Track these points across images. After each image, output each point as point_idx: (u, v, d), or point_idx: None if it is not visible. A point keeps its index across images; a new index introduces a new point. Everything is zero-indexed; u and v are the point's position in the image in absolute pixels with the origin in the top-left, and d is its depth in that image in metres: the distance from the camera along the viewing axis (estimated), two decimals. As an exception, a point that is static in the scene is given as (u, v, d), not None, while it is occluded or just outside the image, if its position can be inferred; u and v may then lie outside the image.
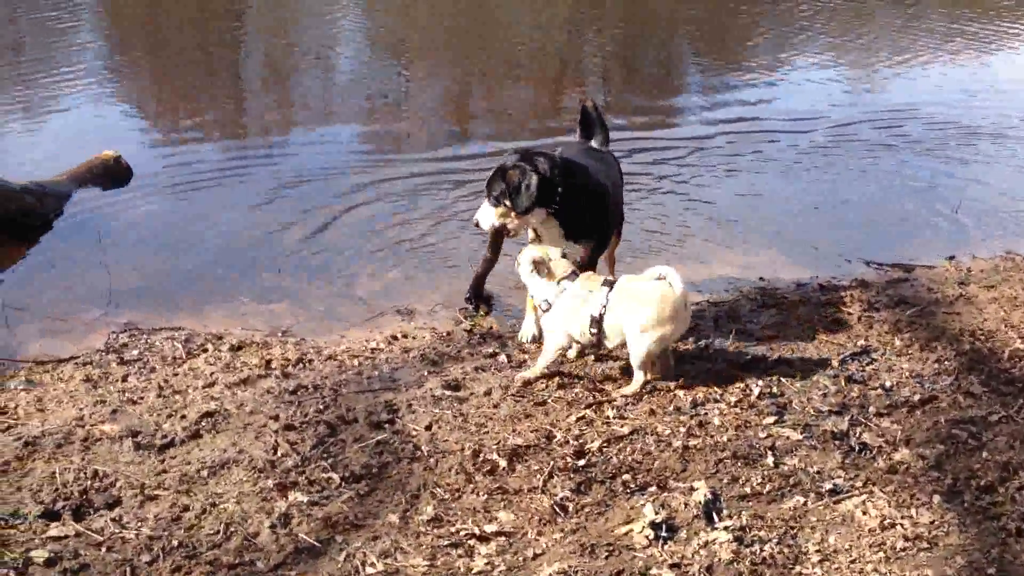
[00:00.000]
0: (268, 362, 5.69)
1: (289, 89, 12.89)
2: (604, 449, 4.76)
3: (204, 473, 4.53)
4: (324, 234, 7.81)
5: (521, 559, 3.99)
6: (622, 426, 4.98)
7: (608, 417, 5.08)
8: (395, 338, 6.14)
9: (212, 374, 5.53)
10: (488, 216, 5.83)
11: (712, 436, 4.85)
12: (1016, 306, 6.22)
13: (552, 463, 4.63)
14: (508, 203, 5.68)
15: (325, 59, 14.26)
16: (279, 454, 4.68)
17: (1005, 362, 5.46)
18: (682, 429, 4.91)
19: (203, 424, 4.94)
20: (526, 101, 12.09)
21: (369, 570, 3.89)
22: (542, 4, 17.91)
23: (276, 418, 5.00)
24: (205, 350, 5.86)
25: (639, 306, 5.18)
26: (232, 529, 4.14)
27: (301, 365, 5.69)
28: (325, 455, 4.70)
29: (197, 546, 4.03)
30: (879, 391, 5.21)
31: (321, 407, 5.15)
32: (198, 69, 13.57)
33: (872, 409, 5.02)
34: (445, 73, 13.59)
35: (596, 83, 13.50)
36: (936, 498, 4.24)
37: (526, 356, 5.77)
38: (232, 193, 8.64)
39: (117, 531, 4.10)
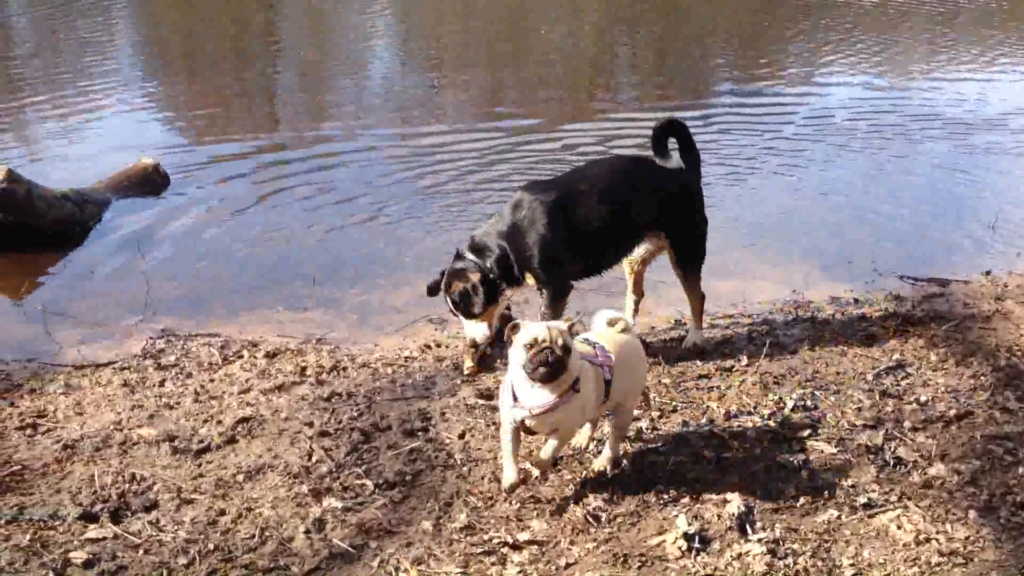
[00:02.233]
0: (303, 369, 5.74)
1: (325, 97, 12.99)
2: (637, 460, 4.76)
3: (240, 478, 4.58)
4: (359, 243, 7.87)
5: (553, 568, 4.00)
6: (654, 437, 4.98)
7: (641, 428, 5.08)
8: (428, 347, 6.17)
9: (248, 380, 5.58)
10: (479, 329, 5.77)
11: (745, 449, 4.84)
12: (1054, 321, 6.17)
13: (585, 472, 4.64)
14: (473, 311, 5.67)
15: (361, 67, 14.39)
16: (314, 460, 4.72)
17: (1042, 378, 5.41)
18: (715, 441, 4.91)
19: (239, 430, 5.00)
20: (560, 108, 12.12)
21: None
22: (573, 9, 17.95)
23: (311, 424, 5.05)
24: (241, 356, 5.91)
25: (638, 363, 4.73)
26: (267, 533, 4.18)
27: (335, 372, 5.74)
28: (359, 462, 4.73)
29: (233, 550, 4.07)
30: (914, 405, 5.18)
31: (355, 414, 5.19)
32: (235, 78, 13.74)
33: (907, 423, 4.99)
34: (479, 81, 13.67)
35: (628, 89, 13.54)
36: (972, 513, 4.21)
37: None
38: (268, 202, 8.72)
39: (154, 534, 4.15)
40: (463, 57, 15.51)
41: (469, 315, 5.70)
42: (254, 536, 4.16)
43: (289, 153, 10.17)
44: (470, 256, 5.72)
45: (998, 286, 6.97)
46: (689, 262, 6.10)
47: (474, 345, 5.78)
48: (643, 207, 5.89)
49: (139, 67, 14.15)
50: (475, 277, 5.63)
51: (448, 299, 5.73)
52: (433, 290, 5.85)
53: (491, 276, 5.66)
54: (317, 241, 7.91)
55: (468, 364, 5.79)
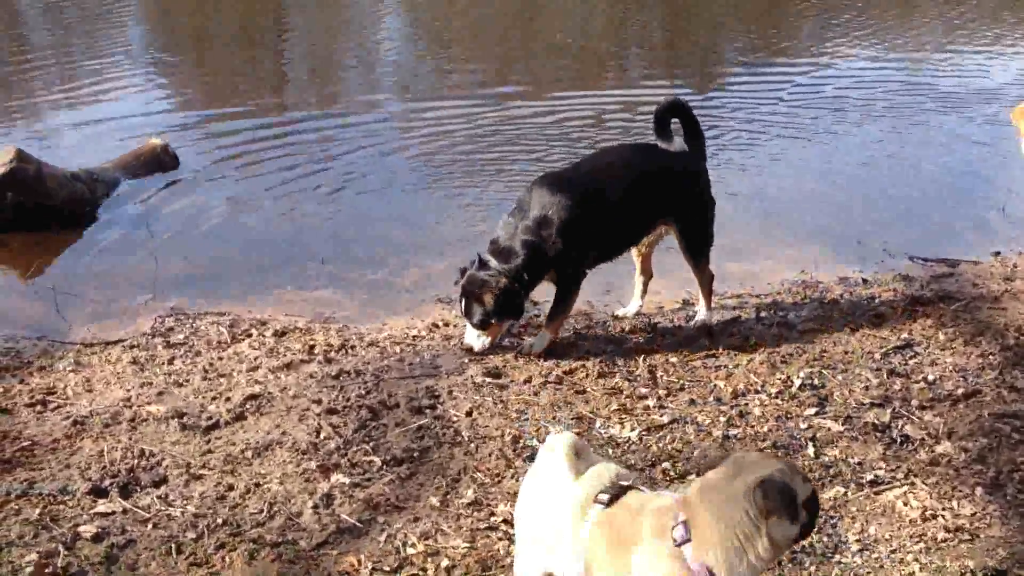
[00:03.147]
0: (311, 347, 5.76)
1: (333, 79, 13.00)
2: (644, 437, 4.78)
3: (248, 454, 4.60)
4: (368, 224, 7.89)
5: (560, 543, 4.01)
6: (662, 415, 4.99)
7: (648, 406, 5.09)
8: (436, 326, 6.19)
9: (256, 358, 5.61)
10: (481, 340, 5.70)
11: (752, 426, 4.85)
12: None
13: (592, 450, 4.64)
14: (493, 320, 5.60)
15: (370, 46, 14.37)
16: (322, 437, 4.75)
17: (1052, 357, 5.40)
18: (722, 419, 4.92)
19: (247, 406, 5.02)
20: (571, 87, 12.08)
21: (410, 550, 3.94)
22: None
23: (319, 402, 5.07)
24: (249, 335, 5.94)
25: None
26: (276, 508, 4.21)
27: (344, 351, 5.75)
28: (367, 438, 4.75)
29: (241, 524, 4.10)
30: (922, 384, 5.17)
31: (363, 392, 5.20)
32: (244, 59, 13.75)
33: (915, 402, 4.99)
34: (490, 58, 13.66)
35: (638, 67, 13.51)
36: (978, 490, 4.21)
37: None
38: (277, 182, 8.73)
39: (163, 508, 4.18)
40: (474, 35, 15.49)
41: (479, 327, 5.65)
42: (262, 511, 4.19)
43: (299, 133, 10.17)
44: (494, 263, 5.60)
45: (1008, 267, 6.94)
46: (697, 246, 6.09)
47: (469, 351, 5.71)
48: (654, 195, 5.88)
49: (149, 48, 14.15)
50: (497, 288, 5.51)
51: (461, 306, 5.67)
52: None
53: (518, 286, 5.55)
54: (326, 220, 7.93)
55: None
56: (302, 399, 5.12)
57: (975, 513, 4.07)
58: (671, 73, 13.46)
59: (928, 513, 4.08)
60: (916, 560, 3.79)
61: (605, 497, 3.09)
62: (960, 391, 5.07)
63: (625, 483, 3.15)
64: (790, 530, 2.88)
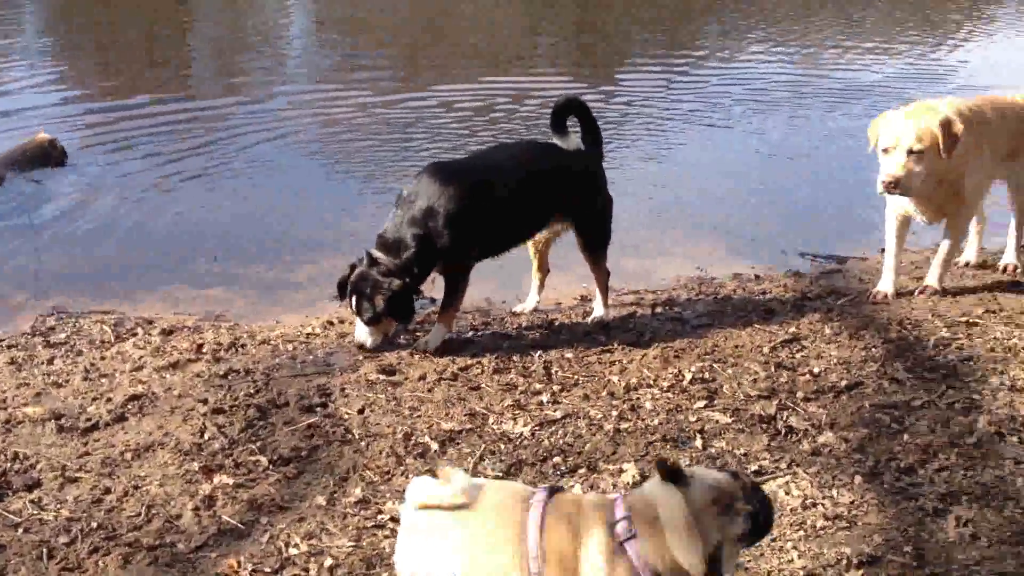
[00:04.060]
0: (199, 346, 5.63)
1: (233, 73, 12.78)
2: (536, 432, 4.77)
3: (128, 456, 4.47)
4: (263, 218, 7.77)
5: (447, 540, 3.98)
6: (555, 410, 4.99)
7: (542, 401, 5.09)
8: (331, 323, 6.11)
9: (141, 358, 5.46)
10: (372, 337, 5.65)
11: (643, 420, 4.88)
12: (943, 296, 6.33)
13: (484, 446, 4.64)
14: (384, 316, 5.54)
15: (273, 42, 14.17)
16: (206, 437, 4.63)
17: (930, 349, 5.55)
18: (614, 413, 4.94)
19: (129, 407, 4.88)
20: (475, 85, 12.09)
21: (292, 551, 3.86)
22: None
23: (205, 401, 4.95)
24: (135, 334, 5.78)
25: None
26: (154, 511, 4.09)
27: (233, 350, 5.64)
28: (254, 438, 4.66)
29: (117, 528, 3.97)
30: (807, 377, 5.27)
31: (252, 391, 5.11)
32: (139, 51, 13.42)
33: (800, 394, 5.08)
34: (395, 51, 13.59)
35: (544, 63, 13.58)
36: (857, 479, 4.30)
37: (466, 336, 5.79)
38: (169, 178, 8.55)
39: (35, 513, 4.03)
40: (380, 29, 15.39)
41: (371, 324, 5.59)
42: (140, 514, 4.07)
43: (194, 126, 9.98)
44: (382, 258, 5.53)
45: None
46: (594, 243, 6.12)
47: (362, 348, 5.66)
48: (549, 192, 5.88)
49: (42, 43, 13.73)
50: (386, 284, 5.44)
51: (351, 304, 5.58)
52: (342, 289, 5.70)
53: (408, 280, 5.50)
54: (219, 215, 7.80)
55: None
56: (187, 399, 4.99)
57: (853, 501, 4.16)
58: (576, 67, 13.59)
59: (808, 502, 4.15)
60: (795, 548, 3.85)
61: (548, 488, 3.09)
62: (843, 383, 5.18)
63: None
64: (734, 532, 2.94)
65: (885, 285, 6.39)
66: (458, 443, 4.68)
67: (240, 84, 12.03)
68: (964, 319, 5.92)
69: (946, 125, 5.78)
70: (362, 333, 5.63)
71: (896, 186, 5.87)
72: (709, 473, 3.05)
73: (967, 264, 6.95)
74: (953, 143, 5.77)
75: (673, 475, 2.94)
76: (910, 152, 5.83)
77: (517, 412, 4.97)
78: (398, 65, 13.08)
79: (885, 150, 5.91)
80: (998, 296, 6.35)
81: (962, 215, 6.27)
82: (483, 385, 5.26)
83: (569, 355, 5.63)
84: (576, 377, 5.37)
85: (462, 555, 2.99)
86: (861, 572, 3.72)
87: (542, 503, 2.97)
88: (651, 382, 5.28)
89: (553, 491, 3.05)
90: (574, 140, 6.09)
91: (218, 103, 10.91)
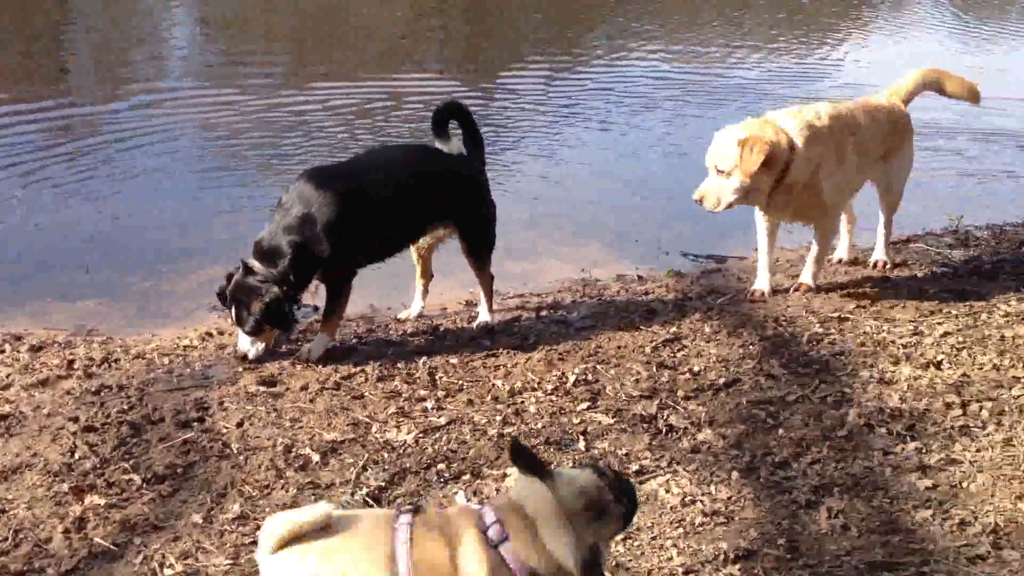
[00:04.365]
0: (71, 362, 5.45)
1: (112, 73, 12.44)
2: (420, 440, 4.75)
3: (-7, 479, 4.29)
4: (139, 226, 7.55)
5: (329, 552, 3.92)
6: (439, 416, 4.98)
7: (426, 408, 5.07)
8: (210, 335, 5.98)
9: (8, 376, 5.26)
10: (255, 347, 5.56)
11: (527, 423, 4.91)
12: (816, 293, 6.52)
13: (367, 455, 4.59)
14: (265, 326, 5.47)
15: (156, 43, 13.83)
16: (76, 456, 4.48)
17: (804, 345, 5.72)
18: (498, 418, 4.95)
19: (-6, 428, 4.69)
20: (361, 85, 12.00)
21: (168, 571, 3.76)
22: None
23: (75, 420, 4.79)
24: (2, 351, 5.57)
25: None
26: (22, 535, 3.94)
27: (106, 365, 5.47)
28: (127, 456, 4.52)
29: (-18, 555, 3.81)
30: (687, 375, 5.37)
31: (125, 407, 4.96)
32: (12, 49, 12.92)
33: (680, 392, 5.18)
34: (283, 54, 13.42)
35: (432, 67, 13.58)
36: (734, 475, 4.40)
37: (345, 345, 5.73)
38: (37, 181, 8.24)
39: None
40: (265, 29, 15.16)
41: (252, 334, 5.49)
42: (7, 539, 3.91)
43: (67, 133, 9.65)
44: (259, 267, 5.44)
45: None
46: (478, 249, 6.11)
47: (243, 359, 5.55)
48: (430, 197, 5.84)
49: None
50: (265, 293, 5.36)
51: (232, 314, 5.50)
52: (222, 299, 5.59)
53: (286, 288, 5.41)
54: (92, 226, 7.53)
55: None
56: (57, 417, 4.82)
57: (730, 497, 4.26)
58: (461, 67, 13.62)
59: (688, 499, 4.23)
60: (674, 545, 3.92)
61: (410, 508, 3.02)
62: (722, 381, 5.30)
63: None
64: (605, 527, 2.97)
65: (761, 284, 6.56)
66: (340, 453, 4.62)
67: (120, 85, 11.69)
68: (836, 315, 6.12)
69: (745, 144, 5.89)
70: (244, 343, 5.53)
71: (701, 203, 6.13)
72: (575, 475, 3.06)
73: (840, 261, 7.18)
74: (755, 162, 5.87)
75: (527, 460, 2.94)
76: (718, 171, 6.03)
77: (401, 420, 4.94)
78: (281, 66, 12.93)
79: (707, 167, 6.11)
80: (868, 292, 6.57)
81: (825, 219, 6.46)
82: (366, 393, 5.22)
83: (454, 360, 5.63)
84: (461, 382, 5.37)
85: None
86: (738, 566, 3.81)
87: (408, 524, 2.92)
88: (535, 385, 5.31)
89: (416, 510, 3.01)
90: (456, 144, 6.08)
91: (96, 106, 10.60)
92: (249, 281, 5.40)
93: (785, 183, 6.07)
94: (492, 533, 2.91)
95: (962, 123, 10.73)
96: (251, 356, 5.53)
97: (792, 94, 11.44)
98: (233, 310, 5.45)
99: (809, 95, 11.21)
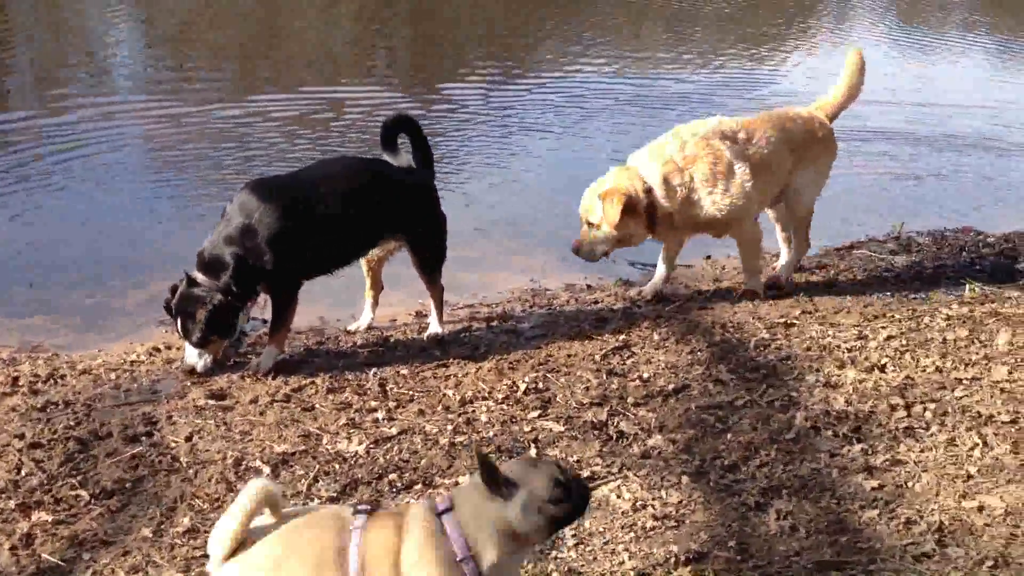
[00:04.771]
0: (15, 379, 5.37)
1: (51, 82, 12.27)
2: (371, 450, 4.74)
3: (-63, 497, 4.22)
4: (85, 241, 7.46)
5: (281, 564, 3.90)
6: (390, 427, 4.98)
7: (377, 419, 5.06)
8: (157, 350, 5.92)
9: (-49, 394, 5.16)
10: (201, 359, 5.54)
11: (479, 432, 4.92)
12: (763, 299, 6.62)
13: (318, 467, 4.58)
14: (211, 337, 5.47)
15: (100, 50, 13.69)
16: (23, 473, 4.42)
17: (752, 351, 5.80)
18: (450, 427, 4.96)
19: (-62, 446, 4.60)
20: (305, 95, 11.97)
21: (117, 586, 3.72)
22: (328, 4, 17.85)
23: (21, 436, 4.72)
24: (-57, 369, 5.46)
25: None
26: (-33, 555, 3.87)
27: (52, 381, 5.40)
28: (74, 472, 4.47)
29: (-75, 575, 3.75)
30: (637, 382, 5.42)
31: (72, 423, 4.90)
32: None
33: (630, 399, 5.22)
34: (228, 64, 13.35)
35: (378, 77, 13.59)
36: (684, 479, 4.45)
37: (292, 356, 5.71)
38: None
39: None
40: (209, 39, 15.06)
41: (199, 345, 5.46)
42: (-49, 558, 3.85)
43: (6, 146, 9.49)
44: (202, 278, 5.42)
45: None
46: (429, 262, 6.11)
47: (191, 371, 5.52)
48: (378, 210, 5.82)
49: None
50: (210, 304, 5.34)
51: (178, 327, 5.47)
52: (169, 312, 5.56)
53: (231, 298, 5.39)
54: (35, 237, 7.42)
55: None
56: (2, 435, 4.76)
57: (681, 500, 4.30)
58: (407, 78, 13.66)
59: (639, 504, 4.26)
60: (626, 550, 3.95)
61: (365, 507, 3.05)
62: (671, 386, 5.35)
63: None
64: (537, 519, 3.00)
65: (651, 285, 6.85)
66: (291, 465, 4.60)
67: (59, 95, 11.53)
68: (783, 320, 6.22)
69: (605, 199, 6.17)
70: (191, 356, 5.49)
71: (577, 253, 6.43)
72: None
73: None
74: (616, 212, 6.13)
75: (491, 475, 3.00)
76: (589, 224, 6.33)
77: (352, 431, 4.94)
78: (225, 79, 12.85)
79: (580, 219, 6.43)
80: (814, 298, 6.69)
81: (731, 230, 6.60)
82: (317, 405, 5.20)
83: (404, 371, 5.63)
84: (411, 393, 5.37)
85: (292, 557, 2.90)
86: (689, 568, 3.84)
87: (361, 528, 2.94)
88: (486, 394, 5.32)
89: (372, 510, 3.03)
90: (404, 157, 6.08)
91: (34, 115, 10.45)
92: (193, 292, 5.37)
93: (660, 216, 6.30)
94: (439, 502, 3.01)
95: (905, 128, 11.02)
96: (199, 368, 5.49)
97: (736, 103, 11.61)
98: (179, 322, 5.41)
99: (751, 102, 11.42)
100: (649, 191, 6.24)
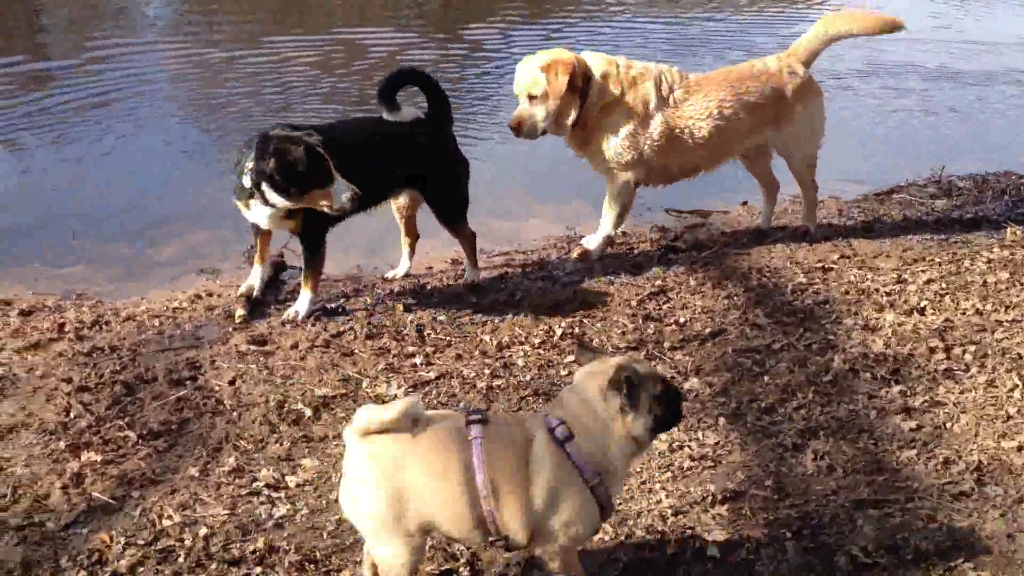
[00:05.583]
0: (61, 326, 5.46)
1: (83, 28, 12.32)
2: (410, 394, 4.80)
3: (-10, 439, 4.33)
4: (122, 193, 7.53)
5: (324, 502, 3.99)
6: (428, 371, 5.03)
7: (415, 364, 5.12)
8: (199, 297, 6.00)
9: (-1, 340, 5.28)
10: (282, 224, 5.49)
11: (516, 376, 4.97)
12: (800, 244, 6.58)
13: (358, 410, 4.63)
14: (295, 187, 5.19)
15: (131, 3, 13.73)
16: (72, 416, 4.52)
17: (789, 295, 5.78)
18: (487, 371, 5.01)
19: (-11, 390, 4.72)
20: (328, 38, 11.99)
21: (166, 522, 3.81)
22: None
23: (69, 380, 4.82)
24: (-9, 316, 5.57)
25: None
26: (20, 492, 3.99)
27: (97, 327, 5.49)
28: (121, 414, 4.56)
29: (-19, 510, 3.86)
30: (673, 326, 5.44)
31: (118, 367, 4.99)
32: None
33: (667, 343, 5.24)
34: (258, 15, 13.35)
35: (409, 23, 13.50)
36: (721, 420, 4.48)
37: (335, 305, 5.76)
38: (16, 147, 8.19)
39: None
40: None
41: (285, 194, 5.16)
42: (5, 495, 3.96)
43: (42, 91, 9.57)
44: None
45: (753, 214, 7.39)
46: (448, 211, 6.05)
47: (249, 295, 5.58)
48: (392, 166, 5.75)
49: None
50: (306, 144, 5.05)
51: (264, 171, 5.10)
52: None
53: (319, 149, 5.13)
54: (75, 189, 7.52)
55: (239, 313, 5.64)
56: (51, 379, 4.85)
57: (718, 442, 4.33)
58: (434, 24, 13.57)
59: (676, 445, 4.30)
60: (663, 488, 3.99)
61: (478, 415, 3.20)
62: (708, 331, 5.36)
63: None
64: (643, 424, 3.16)
65: (589, 243, 6.68)
66: (332, 408, 4.68)
67: (92, 42, 11.59)
68: (820, 265, 6.19)
69: (549, 69, 6.05)
70: (259, 215, 5.39)
71: (518, 130, 6.25)
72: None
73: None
74: (562, 84, 6.02)
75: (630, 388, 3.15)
76: (531, 98, 6.16)
77: (391, 375, 5.00)
78: (260, 25, 12.85)
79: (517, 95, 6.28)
80: (852, 242, 6.64)
81: (610, 177, 6.50)
82: (356, 351, 5.26)
83: (441, 317, 5.67)
84: (449, 338, 5.41)
85: (410, 483, 3.09)
86: (726, 507, 3.88)
87: (479, 438, 3.11)
88: (523, 339, 5.36)
89: (484, 420, 3.19)
90: (408, 111, 5.88)
91: (67, 63, 10.50)
92: (277, 132, 5.19)
93: (583, 116, 6.20)
94: (559, 433, 3.14)
95: (946, 65, 10.87)
96: (271, 230, 5.54)
97: (768, 43, 11.46)
98: (263, 169, 5.13)
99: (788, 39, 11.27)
100: (587, 76, 6.15)
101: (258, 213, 5.42)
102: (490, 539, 3.15)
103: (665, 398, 3.20)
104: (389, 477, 3.09)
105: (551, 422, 3.17)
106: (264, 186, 5.19)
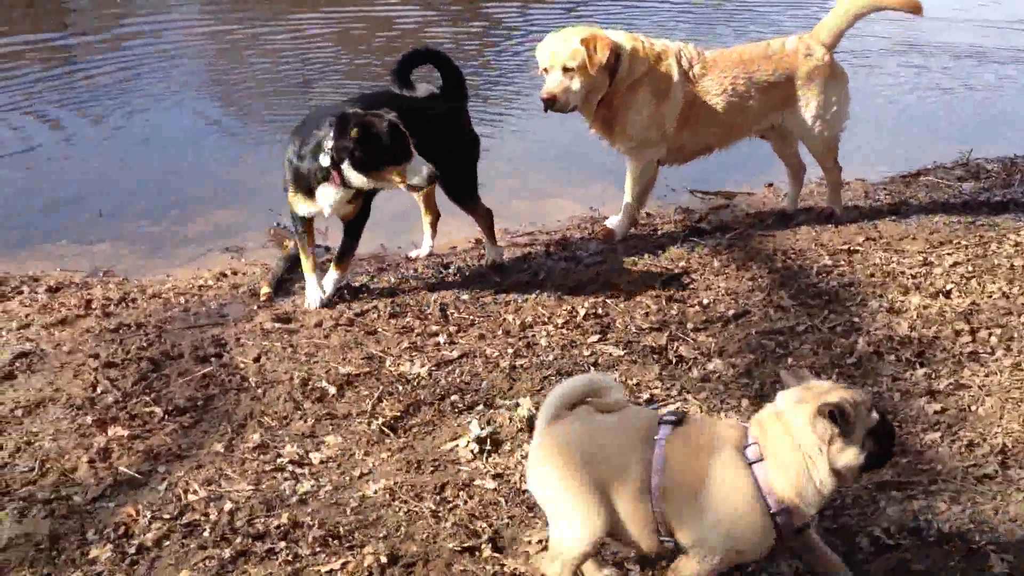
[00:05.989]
0: (88, 302, 5.51)
1: (115, 11, 12.36)
2: (433, 372, 4.82)
3: (18, 413, 4.39)
4: (148, 172, 7.59)
5: (348, 479, 4.02)
6: (452, 350, 5.05)
7: (439, 342, 5.13)
8: (224, 275, 6.04)
9: (27, 316, 5.33)
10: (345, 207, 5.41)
11: (538, 356, 4.97)
12: (825, 226, 6.54)
13: (382, 388, 4.67)
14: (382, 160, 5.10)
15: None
16: (99, 391, 4.57)
17: (814, 277, 5.75)
18: (510, 351, 5.01)
19: (17, 365, 4.78)
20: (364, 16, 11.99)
21: (191, 497, 3.86)
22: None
23: (96, 356, 4.87)
24: (20, 292, 5.63)
25: None
26: (48, 466, 4.04)
27: (124, 304, 5.54)
28: (148, 390, 4.61)
29: (11, 483, 3.92)
30: (697, 308, 5.42)
31: (144, 344, 5.04)
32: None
33: (690, 325, 5.23)
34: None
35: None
36: (744, 402, 4.47)
37: (356, 283, 5.78)
38: (45, 127, 8.27)
39: (-78, 474, 3.94)
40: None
41: (366, 171, 5.11)
42: (33, 469, 4.01)
43: (68, 68, 9.63)
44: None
45: (779, 196, 7.35)
46: (458, 190, 5.99)
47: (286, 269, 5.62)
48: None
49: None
50: (388, 120, 5.01)
51: (347, 147, 5.02)
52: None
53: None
54: (101, 168, 7.57)
55: (264, 290, 5.68)
56: (78, 355, 4.90)
57: (741, 422, 4.32)
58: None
59: (698, 426, 4.29)
60: (686, 468, 3.99)
61: (673, 417, 3.18)
62: (731, 312, 5.35)
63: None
64: (853, 458, 3.01)
65: (613, 223, 6.66)
66: (356, 386, 4.70)
67: (118, 18, 11.65)
68: (846, 247, 6.15)
69: (589, 43, 5.97)
70: (326, 199, 5.30)
71: (552, 103, 6.11)
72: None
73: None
74: (603, 58, 5.96)
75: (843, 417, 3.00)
76: (565, 70, 6.04)
77: (414, 354, 5.01)
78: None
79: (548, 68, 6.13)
80: (878, 224, 6.59)
81: (632, 154, 6.49)
82: (379, 329, 5.28)
83: (465, 297, 5.68)
84: (472, 318, 5.42)
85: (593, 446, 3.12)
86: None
87: (665, 440, 3.10)
88: (546, 319, 5.36)
89: (679, 421, 3.16)
90: (423, 88, 5.89)
91: (95, 38, 10.57)
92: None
93: (609, 94, 6.16)
94: (750, 453, 3.05)
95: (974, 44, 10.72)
96: (334, 214, 5.42)
97: (797, 17, 11.36)
98: (348, 140, 5.04)
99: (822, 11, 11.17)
100: (619, 53, 6.11)
101: (326, 197, 5.29)
102: (660, 540, 3.10)
103: (879, 431, 3.06)
104: (575, 465, 3.09)
105: (750, 451, 3.07)
106: (345, 164, 5.13)
